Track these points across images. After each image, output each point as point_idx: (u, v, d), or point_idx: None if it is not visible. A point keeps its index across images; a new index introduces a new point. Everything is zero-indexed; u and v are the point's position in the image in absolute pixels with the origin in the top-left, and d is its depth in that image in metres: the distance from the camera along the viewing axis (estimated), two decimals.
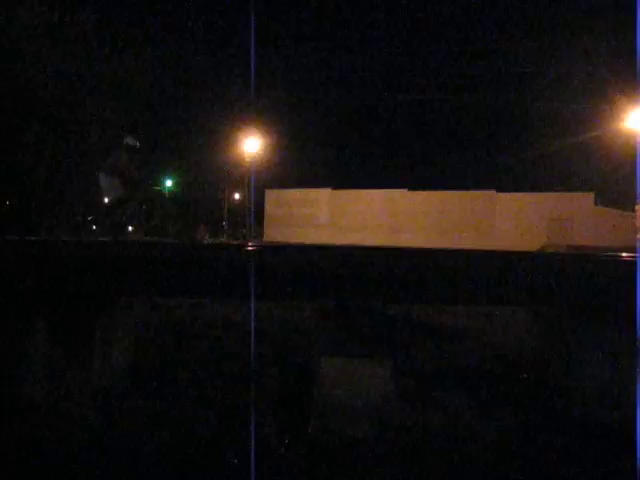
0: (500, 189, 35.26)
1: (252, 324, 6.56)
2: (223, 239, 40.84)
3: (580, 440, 5.04)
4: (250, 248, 8.17)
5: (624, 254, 9.83)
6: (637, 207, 29.18)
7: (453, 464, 4.62)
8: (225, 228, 47.21)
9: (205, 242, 29.58)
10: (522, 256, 8.47)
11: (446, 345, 7.66)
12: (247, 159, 37.98)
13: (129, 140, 9.12)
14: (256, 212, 39.71)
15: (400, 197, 35.79)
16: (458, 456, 4.78)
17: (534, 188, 36.56)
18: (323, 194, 37.95)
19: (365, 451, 4.82)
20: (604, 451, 4.81)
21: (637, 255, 9.79)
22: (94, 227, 44.08)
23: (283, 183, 40.38)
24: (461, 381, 6.45)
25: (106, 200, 9.75)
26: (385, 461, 4.64)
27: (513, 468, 4.60)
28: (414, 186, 36.68)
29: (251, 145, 37.64)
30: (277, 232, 36.87)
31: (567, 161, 39.71)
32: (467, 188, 35.83)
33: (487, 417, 5.58)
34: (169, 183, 46.43)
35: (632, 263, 6.98)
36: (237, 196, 49.04)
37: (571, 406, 5.66)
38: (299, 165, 44.37)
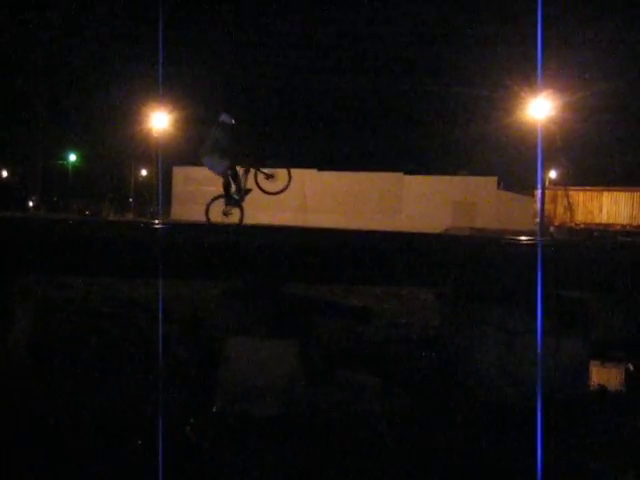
0: (408, 172, 35.90)
1: (160, 303, 6.47)
2: (129, 216, 39.82)
3: (480, 416, 5.24)
4: (157, 226, 8.02)
5: (524, 237, 10.24)
6: (536, 192, 30.29)
7: (356, 441, 4.73)
8: (132, 205, 45.96)
9: (110, 219, 28.86)
10: (426, 238, 8.67)
11: (351, 325, 7.79)
12: (155, 134, 37.02)
13: (224, 118, 9.19)
14: (164, 189, 38.85)
15: (309, 177, 35.79)
16: (361, 433, 4.88)
17: (441, 172, 37.33)
18: None
19: (269, 429, 4.86)
20: (504, 426, 5.02)
21: (536, 238, 10.22)
22: None
23: (191, 160, 39.68)
24: (365, 360, 6.59)
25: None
26: (289, 439, 4.69)
27: (415, 444, 4.74)
28: (323, 166, 36.81)
29: (159, 120, 36.70)
30: (185, 210, 36.13)
31: (472, 146, 40.76)
32: (376, 170, 36.21)
33: (390, 395, 5.72)
34: (73, 157, 44.94)
35: (531, 246, 7.28)
36: (144, 172, 47.83)
37: (471, 384, 5.87)
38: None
